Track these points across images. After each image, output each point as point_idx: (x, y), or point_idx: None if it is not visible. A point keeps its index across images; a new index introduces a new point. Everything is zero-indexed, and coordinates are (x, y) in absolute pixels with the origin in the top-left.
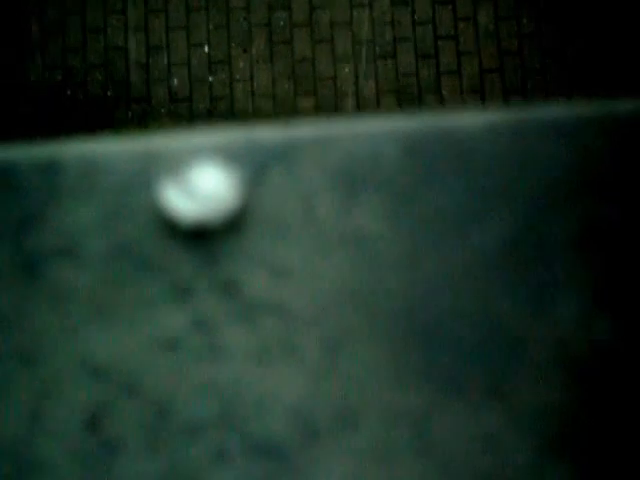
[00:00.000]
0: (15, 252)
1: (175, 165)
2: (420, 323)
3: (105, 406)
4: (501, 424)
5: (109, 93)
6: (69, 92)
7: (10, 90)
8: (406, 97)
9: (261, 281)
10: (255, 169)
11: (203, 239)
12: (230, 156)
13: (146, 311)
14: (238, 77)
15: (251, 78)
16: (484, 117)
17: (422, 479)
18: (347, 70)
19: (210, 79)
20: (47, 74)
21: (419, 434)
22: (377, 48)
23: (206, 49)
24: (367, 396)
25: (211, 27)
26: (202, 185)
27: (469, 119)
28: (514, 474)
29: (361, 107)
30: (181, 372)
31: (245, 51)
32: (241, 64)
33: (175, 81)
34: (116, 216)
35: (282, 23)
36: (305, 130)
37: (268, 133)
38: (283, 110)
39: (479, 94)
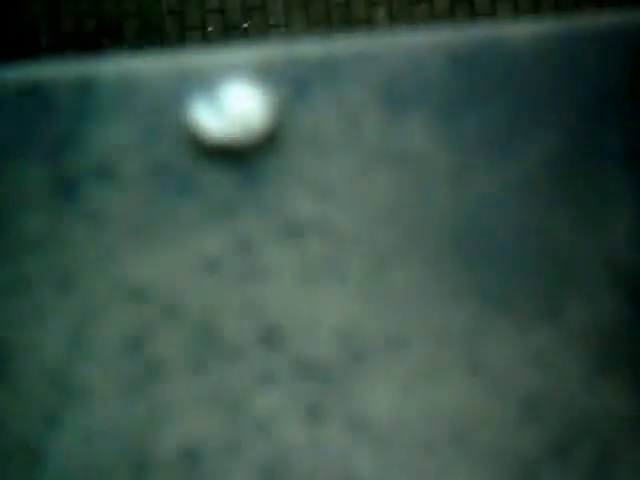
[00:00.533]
0: (51, 173)
1: (212, 82)
2: (468, 242)
3: (147, 329)
4: (551, 343)
5: (143, 41)
6: (103, 40)
7: (43, 39)
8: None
9: (304, 200)
10: (295, 86)
11: (244, 159)
12: (270, 72)
13: (186, 232)
14: (273, 22)
15: (286, 24)
16: (533, 27)
17: (471, 399)
18: (385, 14)
19: (245, 25)
20: (81, 22)
21: (468, 354)
22: None
23: None
24: (414, 316)
25: None
26: (236, 103)
27: (517, 30)
28: (564, 393)
29: None
30: (223, 293)
31: None
32: (276, 10)
33: (210, 28)
34: (154, 136)
35: None
36: (347, 44)
37: (309, 48)
38: None
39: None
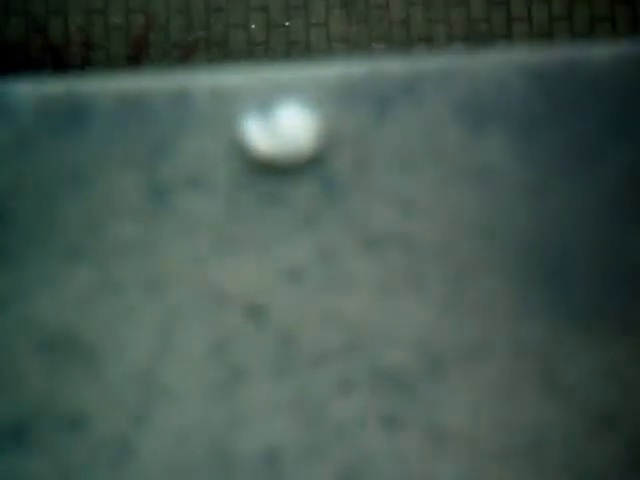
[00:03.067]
0: (145, 181)
1: (268, 101)
2: (546, 257)
3: (230, 333)
4: (625, 358)
5: (189, 37)
6: (150, 36)
7: (93, 34)
8: (476, 42)
9: (385, 213)
10: (379, 102)
11: (329, 172)
12: (355, 89)
13: (271, 241)
14: (314, 22)
15: (326, 23)
16: (611, 49)
17: (546, 411)
18: (423, 16)
19: (287, 24)
20: (129, 18)
21: (543, 367)
22: None
23: None
24: (491, 329)
25: None
26: (287, 122)
27: (596, 51)
28: (638, 407)
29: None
30: (305, 301)
31: None
32: (317, 9)
33: (253, 26)
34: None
35: None
36: (430, 62)
37: (392, 65)
38: (358, 54)
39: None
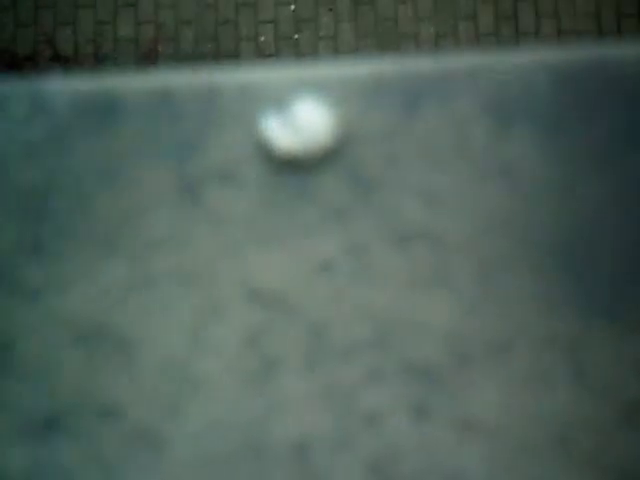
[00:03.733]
0: (176, 176)
1: (286, 99)
2: (572, 252)
3: (263, 326)
4: None
5: (199, 49)
6: (160, 47)
7: (102, 44)
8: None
9: (414, 209)
10: (408, 99)
11: (357, 168)
12: (384, 86)
13: (302, 234)
14: (323, 35)
15: (335, 36)
16: (637, 49)
17: (572, 403)
18: (431, 30)
19: (296, 37)
20: (139, 30)
21: (570, 359)
22: (458, 9)
23: (292, 7)
24: (519, 322)
25: None
26: (306, 118)
27: (623, 50)
28: None
29: None
30: (336, 295)
31: (330, 10)
32: (326, 22)
33: (262, 38)
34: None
35: None
36: (458, 60)
37: (421, 63)
38: None
39: None
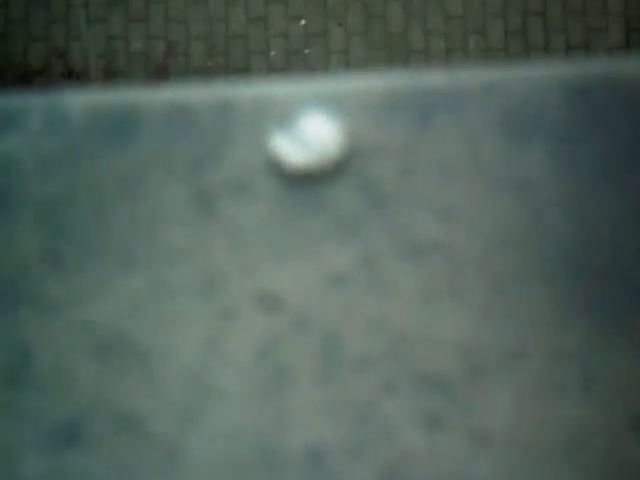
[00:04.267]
0: (192, 188)
1: (293, 113)
2: (585, 264)
3: (277, 337)
4: None
5: (209, 63)
6: (171, 62)
7: (114, 60)
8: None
9: (428, 221)
10: (422, 113)
11: (371, 181)
12: (396, 100)
13: (316, 247)
14: (333, 49)
15: (346, 50)
16: None
17: (584, 413)
18: (442, 44)
19: (306, 51)
20: (150, 44)
21: (582, 370)
22: (468, 24)
23: (303, 22)
24: (530, 334)
25: (308, 1)
26: (314, 132)
27: (636, 65)
28: None
29: None
30: (349, 306)
31: (340, 24)
32: (336, 37)
33: (273, 52)
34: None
35: None
36: (472, 74)
37: (434, 77)
38: None
39: None
